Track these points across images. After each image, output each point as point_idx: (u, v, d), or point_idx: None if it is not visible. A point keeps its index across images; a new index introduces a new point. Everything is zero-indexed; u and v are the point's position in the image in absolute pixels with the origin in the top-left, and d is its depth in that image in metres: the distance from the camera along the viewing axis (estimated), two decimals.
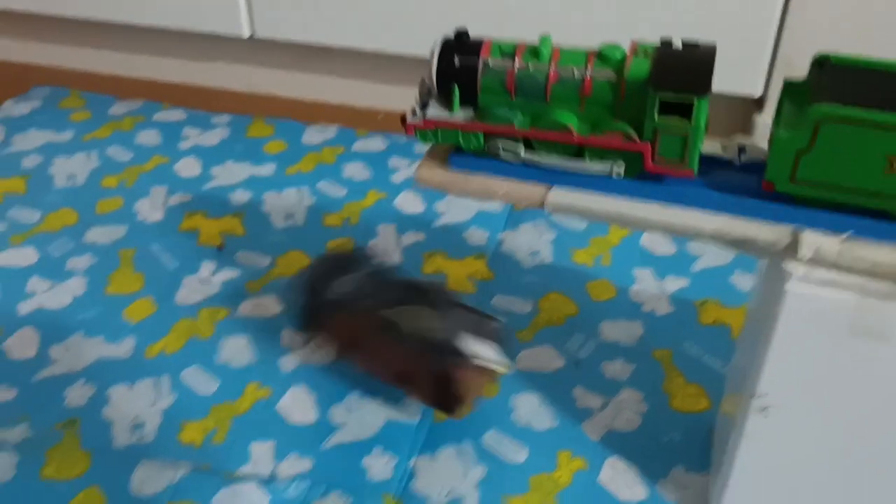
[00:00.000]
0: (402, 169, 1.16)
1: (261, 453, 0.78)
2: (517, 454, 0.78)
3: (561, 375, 0.86)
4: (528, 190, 0.63)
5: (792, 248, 0.57)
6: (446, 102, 0.63)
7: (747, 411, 0.63)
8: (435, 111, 0.63)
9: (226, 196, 1.11)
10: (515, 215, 1.07)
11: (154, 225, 1.06)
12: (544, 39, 0.60)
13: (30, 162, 1.18)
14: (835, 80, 0.57)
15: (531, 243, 1.03)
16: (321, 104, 1.31)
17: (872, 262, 0.55)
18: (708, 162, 0.62)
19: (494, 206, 1.08)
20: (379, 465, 0.77)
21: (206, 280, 0.97)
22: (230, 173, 1.15)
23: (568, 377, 0.85)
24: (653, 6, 1.04)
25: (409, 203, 1.09)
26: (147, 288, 0.96)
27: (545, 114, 0.61)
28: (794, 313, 0.58)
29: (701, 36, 0.61)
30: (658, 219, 0.60)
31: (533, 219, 1.06)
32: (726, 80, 1.05)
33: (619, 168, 0.61)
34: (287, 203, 1.10)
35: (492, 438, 0.79)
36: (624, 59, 0.59)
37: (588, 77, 0.59)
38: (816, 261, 0.56)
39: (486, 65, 0.61)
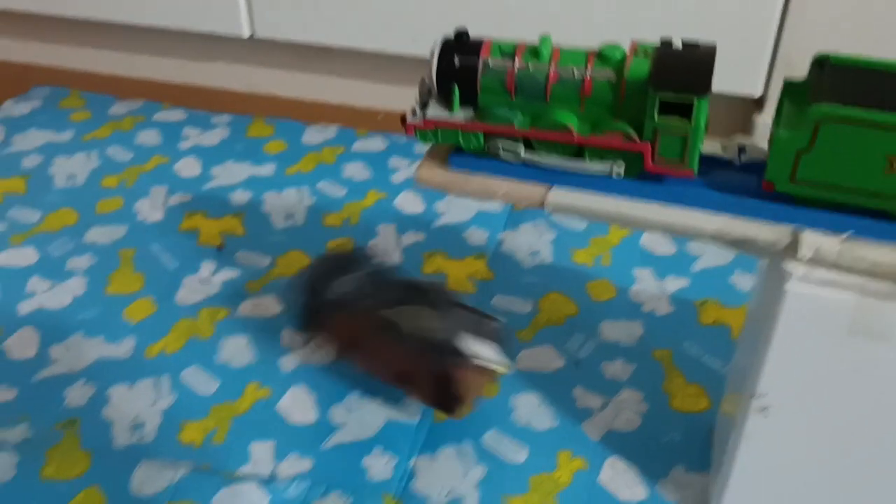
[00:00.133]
0: (402, 169, 1.16)
1: (261, 453, 0.78)
2: (517, 454, 0.78)
3: (561, 375, 0.85)
4: (528, 190, 0.63)
5: (792, 248, 0.57)
6: (446, 102, 0.63)
7: (747, 411, 0.63)
8: (435, 111, 0.63)
9: (226, 196, 1.11)
10: (515, 215, 1.07)
11: (154, 225, 1.06)
12: (544, 39, 0.60)
13: (30, 162, 1.18)
14: (835, 80, 0.57)
15: (531, 243, 1.03)
16: (321, 104, 1.31)
17: (872, 262, 0.55)
18: (708, 162, 0.62)
19: (494, 207, 1.08)
20: (379, 465, 0.77)
21: (207, 280, 0.97)
22: (230, 173, 1.15)
23: (568, 377, 0.85)
24: (653, 6, 1.05)
25: (409, 203, 1.09)
26: (147, 288, 0.96)
27: (545, 114, 0.61)
28: (794, 313, 0.58)
29: (701, 36, 0.61)
30: (658, 219, 0.60)
31: (533, 219, 1.06)
32: (726, 80, 1.05)
33: (618, 168, 0.61)
34: (287, 203, 1.10)
35: (492, 438, 0.79)
36: (624, 59, 0.59)
37: (588, 77, 0.59)
38: (816, 261, 0.56)
39: (486, 65, 0.61)
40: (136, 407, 0.83)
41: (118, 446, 0.79)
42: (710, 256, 1.00)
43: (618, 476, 0.76)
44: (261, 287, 0.96)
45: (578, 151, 0.62)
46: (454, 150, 0.65)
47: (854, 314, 0.56)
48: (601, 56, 0.59)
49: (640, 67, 0.58)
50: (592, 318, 0.92)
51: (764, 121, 1.10)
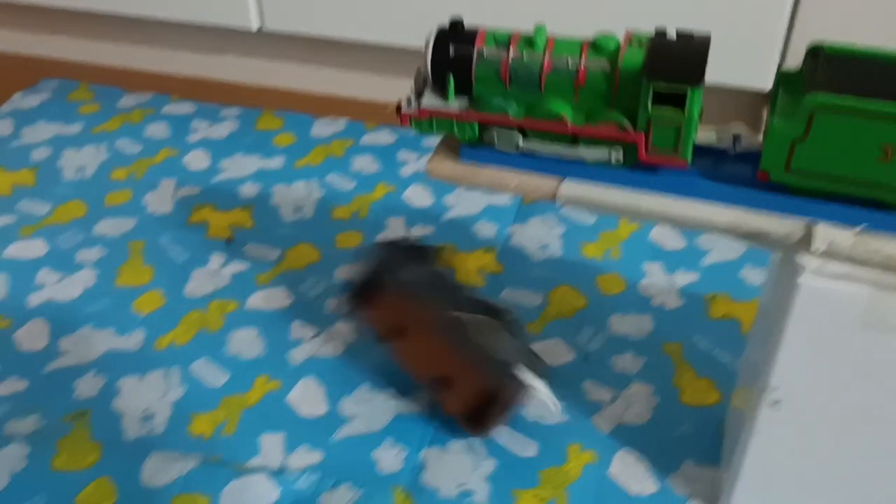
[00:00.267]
0: (411, 162, 1.15)
1: (271, 445, 0.78)
2: (527, 448, 0.78)
3: (570, 369, 0.85)
4: (539, 182, 0.63)
5: (805, 242, 0.57)
6: (441, 92, 0.63)
7: (759, 405, 0.63)
8: (430, 101, 0.63)
9: (235, 189, 1.11)
10: (525, 209, 1.06)
11: (163, 217, 1.06)
12: (539, 29, 0.60)
13: (39, 154, 1.18)
14: (829, 69, 0.57)
15: (541, 237, 1.02)
16: (330, 97, 1.30)
17: (887, 256, 0.55)
18: (718, 154, 0.62)
19: (503, 200, 1.08)
20: (389, 458, 0.77)
21: (216, 272, 0.97)
22: (239, 166, 1.15)
23: (577, 370, 0.85)
24: None
25: (418, 196, 1.09)
26: (156, 280, 0.97)
27: (540, 103, 0.61)
28: (806, 306, 0.57)
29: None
30: (671, 211, 0.60)
31: (542, 212, 1.06)
32: (736, 73, 1.05)
33: (617, 154, 0.60)
34: (296, 196, 1.10)
35: (501, 432, 0.79)
36: (618, 49, 0.58)
37: (582, 67, 0.59)
38: (830, 254, 0.56)
39: (480, 54, 0.61)
40: (146, 399, 0.83)
41: (128, 438, 0.79)
42: (720, 251, 1.00)
43: (628, 469, 0.76)
44: (270, 280, 0.96)
45: (573, 142, 0.61)
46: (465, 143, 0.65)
47: (868, 307, 0.56)
48: (595, 46, 0.59)
49: (634, 57, 0.58)
50: (602, 311, 0.92)
51: None
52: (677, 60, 0.56)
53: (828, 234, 0.56)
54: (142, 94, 1.32)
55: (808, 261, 0.56)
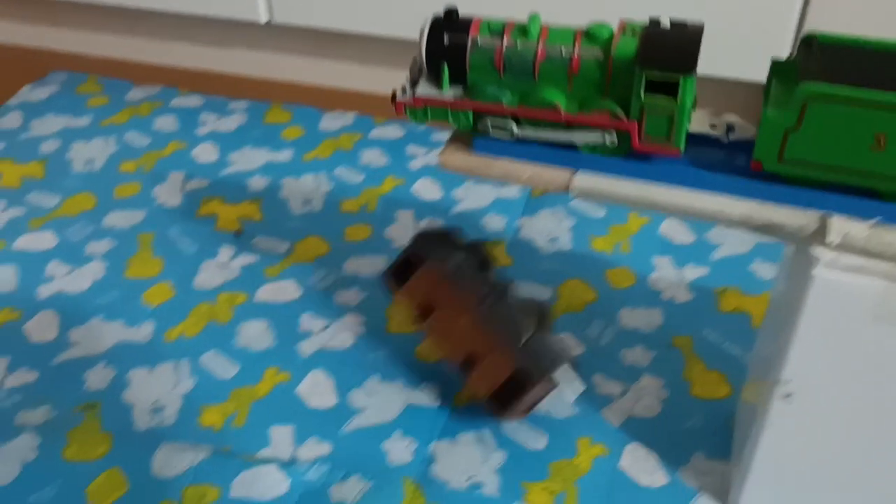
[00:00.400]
0: (420, 156, 1.15)
1: (280, 437, 0.78)
2: (537, 441, 0.78)
3: (580, 362, 0.85)
4: (552, 174, 0.63)
5: (819, 234, 0.57)
6: (436, 80, 0.63)
7: (771, 398, 0.63)
8: (425, 89, 0.63)
9: (243, 182, 1.11)
10: (534, 202, 1.06)
11: (172, 210, 1.06)
12: (533, 18, 0.60)
13: (48, 147, 1.18)
14: (822, 58, 0.57)
15: (550, 230, 1.02)
16: (339, 90, 1.30)
17: None
18: (738, 146, 0.62)
19: (513, 193, 1.08)
20: (399, 449, 0.77)
21: (225, 265, 0.98)
22: (248, 159, 1.15)
23: (587, 364, 0.85)
24: None
25: (426, 189, 1.09)
26: (166, 272, 0.97)
27: (533, 92, 0.61)
28: (820, 299, 0.57)
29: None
30: (685, 203, 0.60)
31: (552, 205, 1.06)
32: (746, 66, 1.05)
33: (611, 137, 0.60)
34: (305, 189, 1.10)
35: (511, 425, 0.79)
36: (611, 37, 0.59)
37: (576, 55, 0.59)
38: (844, 246, 0.56)
39: (475, 43, 0.61)
40: (157, 390, 0.83)
41: (139, 429, 0.79)
42: (730, 245, 0.99)
43: (638, 462, 0.76)
44: (279, 272, 0.96)
45: (567, 130, 0.61)
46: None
47: (881, 300, 0.56)
48: (589, 35, 0.59)
49: (627, 46, 0.58)
50: (612, 304, 0.92)
51: None
52: (670, 49, 0.56)
53: (843, 226, 0.56)
54: (150, 87, 1.32)
55: (822, 253, 0.56)
